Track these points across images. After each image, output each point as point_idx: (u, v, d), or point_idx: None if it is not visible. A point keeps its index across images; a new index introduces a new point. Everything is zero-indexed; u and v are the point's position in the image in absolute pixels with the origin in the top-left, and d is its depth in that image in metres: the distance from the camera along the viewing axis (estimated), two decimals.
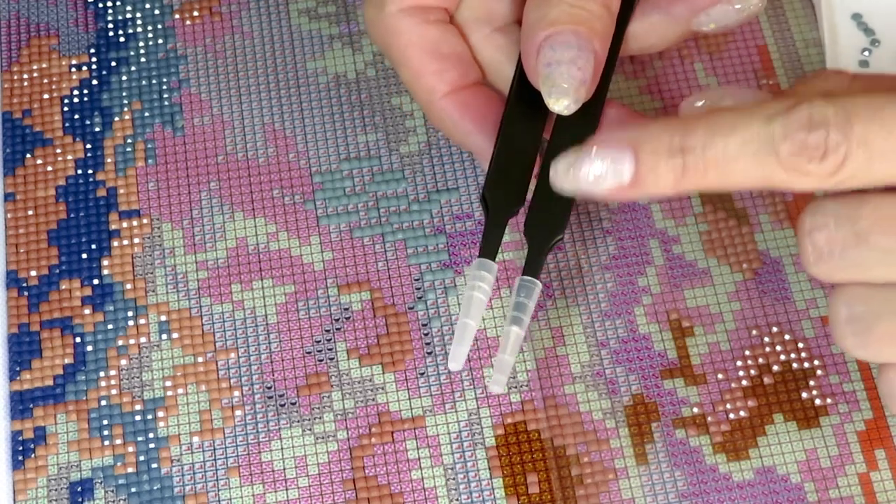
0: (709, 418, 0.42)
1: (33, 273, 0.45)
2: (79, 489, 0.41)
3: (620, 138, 0.35)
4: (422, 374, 0.43)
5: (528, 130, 0.40)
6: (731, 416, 0.42)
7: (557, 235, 0.40)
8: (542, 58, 0.38)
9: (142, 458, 0.42)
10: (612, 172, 0.34)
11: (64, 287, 0.44)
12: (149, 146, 0.47)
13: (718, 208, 0.46)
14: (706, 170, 0.34)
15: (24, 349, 0.43)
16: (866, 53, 0.47)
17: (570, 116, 0.39)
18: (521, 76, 0.40)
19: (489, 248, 0.39)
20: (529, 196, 0.40)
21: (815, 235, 0.34)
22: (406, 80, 0.41)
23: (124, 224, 0.45)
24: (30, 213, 0.46)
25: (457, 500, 0.41)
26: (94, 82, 0.48)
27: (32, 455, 0.42)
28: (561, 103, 0.38)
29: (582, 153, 0.35)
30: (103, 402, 0.43)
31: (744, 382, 0.43)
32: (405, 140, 0.47)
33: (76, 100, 0.48)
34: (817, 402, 0.43)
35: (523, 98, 0.40)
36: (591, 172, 0.35)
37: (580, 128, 0.40)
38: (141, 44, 0.49)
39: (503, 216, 0.40)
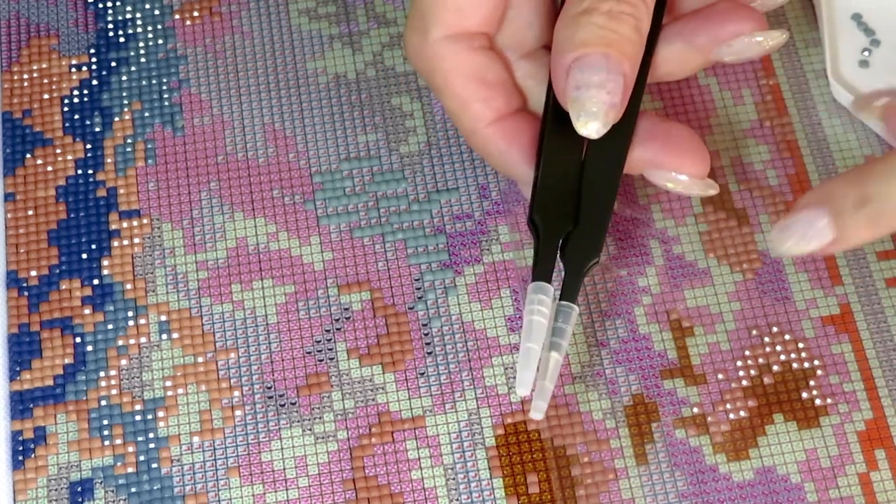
0: (709, 418, 0.42)
1: (33, 273, 0.45)
2: (79, 489, 0.41)
3: (812, 201, 0.37)
4: (422, 374, 0.43)
5: (568, 150, 0.40)
6: (731, 416, 0.42)
7: (593, 258, 0.39)
8: (571, 80, 0.37)
9: (142, 458, 0.42)
10: (815, 233, 0.37)
11: (64, 287, 0.44)
12: (149, 146, 0.47)
13: (718, 208, 0.46)
14: (892, 214, 0.36)
15: (24, 349, 0.43)
16: (866, 53, 0.47)
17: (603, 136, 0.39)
18: (553, 97, 0.40)
19: (544, 271, 0.39)
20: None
21: None
22: (451, 109, 0.41)
23: (124, 224, 0.45)
24: (30, 213, 0.46)
25: (457, 500, 0.41)
26: (94, 82, 0.48)
27: (32, 455, 0.42)
28: (590, 127, 0.37)
29: (787, 222, 0.38)
30: (103, 402, 0.43)
31: (744, 382, 0.43)
32: (405, 140, 0.47)
33: (76, 100, 0.48)
34: (817, 402, 0.43)
35: (559, 118, 0.39)
36: (797, 237, 0.38)
37: (613, 146, 0.40)
38: (141, 44, 0.49)
39: (554, 238, 0.39)
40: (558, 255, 0.40)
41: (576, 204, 0.40)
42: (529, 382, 0.37)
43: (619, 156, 0.40)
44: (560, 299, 0.39)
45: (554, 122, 0.40)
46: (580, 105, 0.37)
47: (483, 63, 0.40)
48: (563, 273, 0.39)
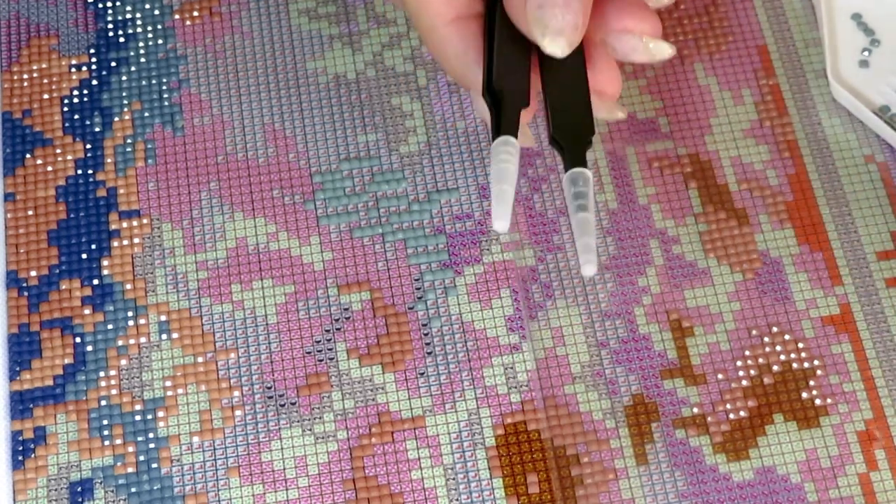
0: (709, 418, 0.42)
1: (33, 273, 0.45)
2: (79, 489, 0.41)
3: None
4: (422, 374, 0.43)
5: (517, 43, 0.40)
6: (731, 416, 0.42)
7: (591, 134, 0.39)
8: (531, 0, 0.38)
9: (142, 458, 0.42)
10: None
11: (64, 287, 0.44)
12: (149, 146, 0.47)
13: (718, 208, 0.46)
14: None
15: (24, 349, 0.43)
16: (866, 53, 0.47)
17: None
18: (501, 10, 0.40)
19: (509, 127, 0.38)
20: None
21: None
22: (411, 7, 0.40)
23: (124, 224, 0.45)
24: (30, 213, 0.46)
25: (457, 500, 0.41)
26: (94, 82, 0.48)
27: (32, 455, 0.42)
28: (557, 43, 0.38)
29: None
30: (103, 402, 0.43)
31: (744, 382, 0.43)
32: (405, 140, 0.47)
33: (76, 100, 0.48)
34: (817, 402, 0.43)
35: (508, 25, 0.39)
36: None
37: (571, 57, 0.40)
38: (141, 44, 0.49)
39: (516, 106, 0.39)
40: (551, 146, 0.39)
41: (529, 87, 0.40)
42: (508, 216, 0.37)
43: (577, 50, 0.40)
44: (569, 169, 0.38)
45: (503, 21, 0.40)
46: (544, 23, 0.38)
47: None
48: (562, 158, 0.39)
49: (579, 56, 0.40)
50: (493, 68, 0.39)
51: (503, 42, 0.40)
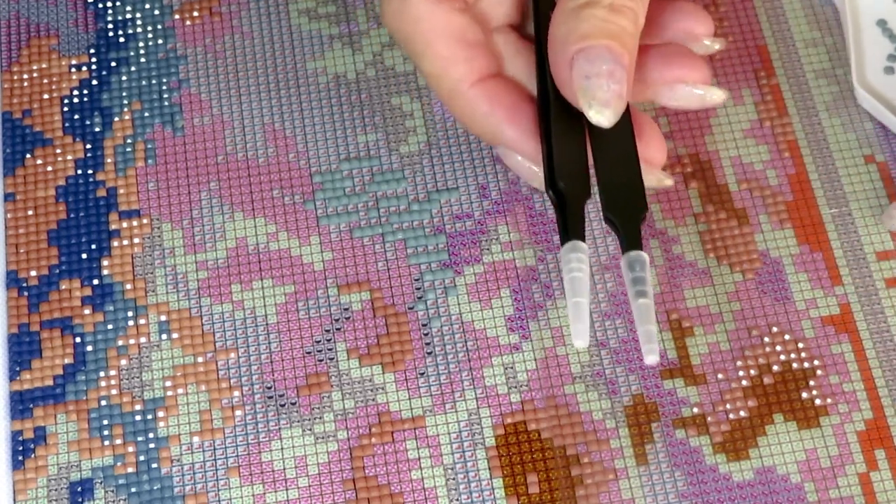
0: (709, 418, 0.42)
1: (33, 273, 0.45)
2: (79, 489, 0.41)
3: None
4: (422, 374, 0.43)
5: (572, 128, 0.40)
6: (731, 416, 0.42)
7: (644, 210, 0.39)
8: (577, 70, 0.38)
9: (142, 458, 0.42)
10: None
11: (64, 287, 0.44)
12: (149, 146, 0.47)
13: (718, 208, 0.46)
14: None
15: (24, 349, 0.43)
16: (891, 60, 0.47)
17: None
18: (547, 80, 0.40)
19: (575, 230, 0.39)
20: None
21: None
22: (431, 72, 0.41)
23: (124, 224, 0.45)
24: (30, 213, 0.46)
25: (457, 500, 0.41)
26: (94, 82, 0.48)
27: (32, 455, 0.42)
28: (603, 114, 0.38)
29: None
30: (103, 402, 0.43)
31: (744, 382, 0.43)
32: (405, 140, 0.47)
33: (76, 100, 0.48)
34: (817, 402, 0.43)
35: (560, 100, 0.40)
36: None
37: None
38: (141, 44, 0.49)
39: (580, 201, 0.39)
40: (604, 223, 0.40)
41: (587, 175, 0.40)
42: (586, 333, 0.37)
43: (625, 121, 0.40)
44: (626, 251, 0.38)
45: (556, 101, 0.40)
46: (591, 94, 0.38)
47: (463, 24, 0.41)
48: (616, 236, 0.39)
49: (628, 127, 0.40)
50: (553, 163, 0.40)
51: (559, 128, 0.40)
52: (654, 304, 0.38)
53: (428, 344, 0.43)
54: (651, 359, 0.37)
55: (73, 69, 0.48)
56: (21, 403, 0.43)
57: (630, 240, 0.39)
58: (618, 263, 0.45)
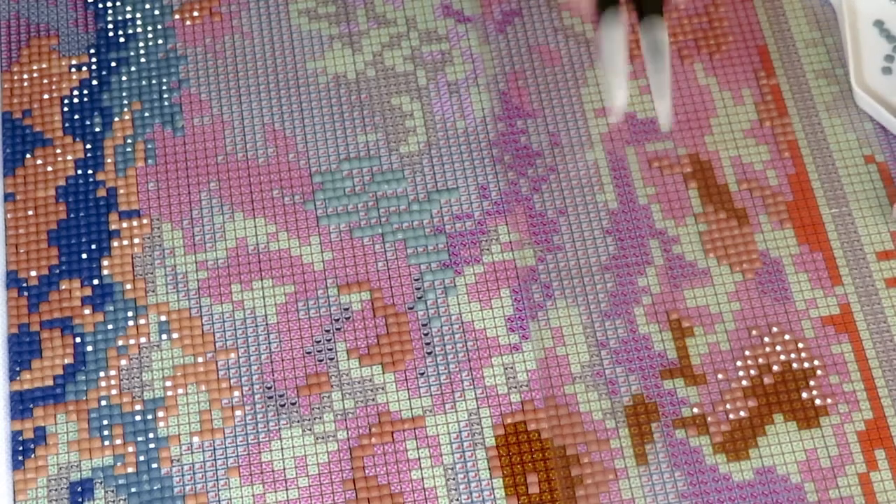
0: (709, 418, 0.42)
1: (33, 273, 0.45)
2: (79, 489, 0.41)
3: None
4: (422, 374, 0.43)
5: None
6: (731, 416, 0.42)
7: None
8: None
9: (142, 458, 0.42)
10: None
11: (64, 287, 0.44)
12: (149, 146, 0.47)
13: (718, 208, 0.46)
14: None
15: (24, 349, 0.43)
16: (889, 60, 0.47)
17: None
18: None
19: None
20: None
21: None
22: None
23: (124, 224, 0.45)
24: (30, 213, 0.46)
25: (457, 500, 0.41)
26: (94, 82, 0.48)
27: (32, 455, 0.42)
28: None
29: None
30: (103, 402, 0.43)
31: (744, 382, 0.43)
32: (405, 140, 0.47)
33: (76, 100, 0.48)
34: (817, 402, 0.43)
35: None
36: None
37: None
38: (141, 44, 0.49)
39: None
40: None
41: None
42: (624, 96, 0.40)
43: None
44: (642, 15, 0.40)
45: None
46: None
47: None
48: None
49: None
50: None
51: None
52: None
53: (428, 344, 0.43)
54: (663, 110, 0.40)
55: (73, 69, 0.48)
56: (21, 403, 0.43)
57: (650, 4, 0.41)
58: (618, 263, 0.45)
